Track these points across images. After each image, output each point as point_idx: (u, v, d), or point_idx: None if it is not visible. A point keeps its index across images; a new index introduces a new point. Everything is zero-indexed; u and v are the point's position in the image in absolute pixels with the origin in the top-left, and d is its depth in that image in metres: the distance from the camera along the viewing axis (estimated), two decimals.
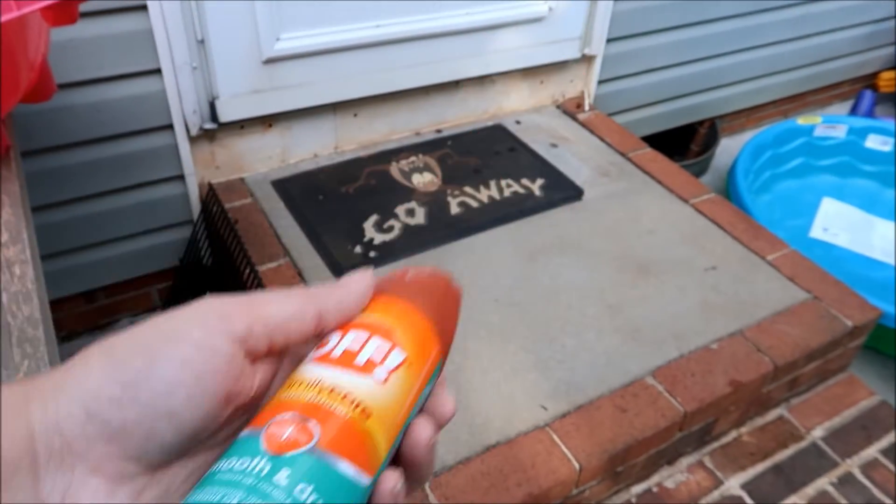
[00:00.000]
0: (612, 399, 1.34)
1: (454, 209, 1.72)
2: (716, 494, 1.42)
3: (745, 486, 1.44)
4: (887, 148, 2.69)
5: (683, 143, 2.93)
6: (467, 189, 1.80)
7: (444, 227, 1.66)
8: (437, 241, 1.63)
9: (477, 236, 1.67)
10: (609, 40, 2.23)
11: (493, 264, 1.60)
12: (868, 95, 2.94)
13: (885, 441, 1.58)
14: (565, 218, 1.77)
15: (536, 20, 2.02)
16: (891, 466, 1.53)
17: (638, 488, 1.42)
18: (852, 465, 1.52)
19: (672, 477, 1.45)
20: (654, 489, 1.42)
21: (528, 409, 1.30)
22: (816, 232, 2.47)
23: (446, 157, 1.90)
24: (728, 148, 2.80)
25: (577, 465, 1.22)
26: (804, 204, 2.61)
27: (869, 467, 1.52)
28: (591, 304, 1.53)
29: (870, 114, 2.93)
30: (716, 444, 1.52)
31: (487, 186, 1.82)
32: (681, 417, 1.34)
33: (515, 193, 1.81)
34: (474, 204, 1.75)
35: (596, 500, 1.37)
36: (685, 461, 1.48)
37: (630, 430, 1.29)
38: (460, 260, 1.60)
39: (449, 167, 1.87)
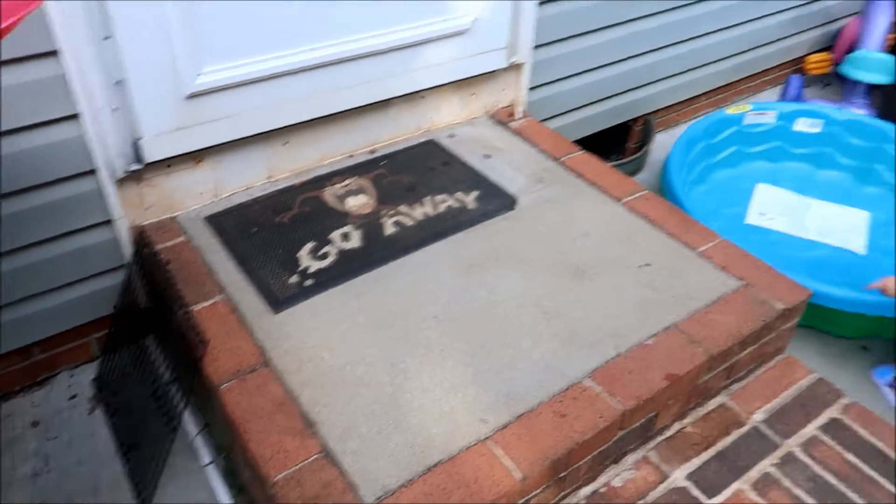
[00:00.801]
0: (551, 405, 1.36)
1: (389, 229, 1.74)
2: (662, 488, 1.45)
3: (691, 477, 1.48)
4: (816, 130, 2.77)
5: (620, 142, 2.98)
6: (402, 208, 1.81)
7: (380, 249, 1.67)
8: (373, 264, 1.64)
9: (413, 255, 1.68)
10: (536, 47, 2.27)
11: (431, 281, 1.61)
12: (796, 80, 3.03)
13: (824, 417, 1.63)
14: (500, 228, 1.80)
15: (461, 33, 2.04)
16: (830, 442, 1.57)
17: (586, 490, 1.44)
18: (793, 444, 1.56)
19: (619, 475, 1.47)
20: (603, 489, 1.44)
21: (469, 423, 1.32)
22: (753, 218, 2.54)
23: (380, 177, 1.92)
24: (664, 143, 2.86)
25: (519, 476, 1.24)
26: (740, 191, 2.68)
27: (809, 445, 1.56)
28: (528, 313, 1.56)
29: (799, 97, 3.01)
30: (660, 438, 1.55)
31: (422, 203, 1.84)
32: (620, 416, 1.36)
33: (450, 208, 1.83)
34: (409, 222, 1.77)
35: None
36: (631, 458, 1.51)
37: (570, 434, 1.31)
38: (398, 280, 1.61)
39: (384, 188, 1.88)
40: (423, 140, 2.11)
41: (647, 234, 1.83)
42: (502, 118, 2.27)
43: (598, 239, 1.79)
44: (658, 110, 2.98)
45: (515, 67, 2.25)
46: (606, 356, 1.47)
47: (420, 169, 1.96)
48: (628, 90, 2.72)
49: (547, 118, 2.47)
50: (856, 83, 3.00)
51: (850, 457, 1.55)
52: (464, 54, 2.08)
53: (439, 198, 1.86)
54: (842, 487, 1.48)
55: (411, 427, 1.30)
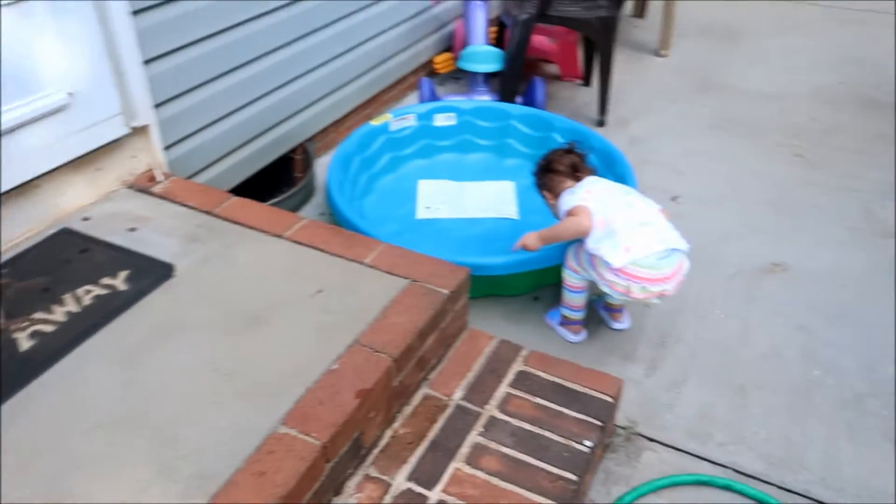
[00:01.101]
0: (248, 468, 1.30)
1: (26, 344, 1.52)
2: (388, 499, 1.48)
3: (411, 477, 1.52)
4: (453, 122, 3.06)
5: (288, 174, 3.00)
6: (38, 315, 1.60)
7: (17, 370, 1.46)
8: (12, 391, 1.42)
9: (62, 363, 1.50)
10: (158, 105, 2.16)
11: (88, 386, 1.45)
12: (426, 82, 3.31)
13: (512, 374, 1.79)
14: (161, 302, 1.68)
15: (60, 110, 1.87)
16: (520, 394, 1.74)
17: None
18: (491, 408, 1.69)
19: None
20: None
21: None
22: (421, 212, 2.72)
23: (3, 288, 1.67)
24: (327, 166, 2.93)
25: None
26: (405, 192, 2.85)
27: (504, 403, 1.71)
28: (208, 381, 1.48)
29: (433, 97, 3.30)
30: (376, 452, 1.58)
31: (62, 303, 1.64)
32: (321, 451, 1.35)
33: (98, 297, 1.67)
34: (50, 329, 1.57)
35: None
36: (352, 482, 1.51)
37: (273, 490, 1.26)
38: (46, 398, 1.42)
39: (10, 299, 1.64)
40: (53, 231, 1.89)
41: (314, 261, 1.85)
42: (143, 185, 2.14)
43: (266, 281, 1.76)
44: (314, 135, 3.05)
45: (141, 131, 2.12)
46: (296, 396, 1.45)
47: (54, 264, 1.76)
48: (277, 124, 2.74)
49: (195, 173, 2.38)
50: (475, 74, 3.36)
51: (539, 400, 1.72)
52: (71, 130, 1.91)
53: (83, 290, 1.68)
54: (537, 430, 1.65)
55: None
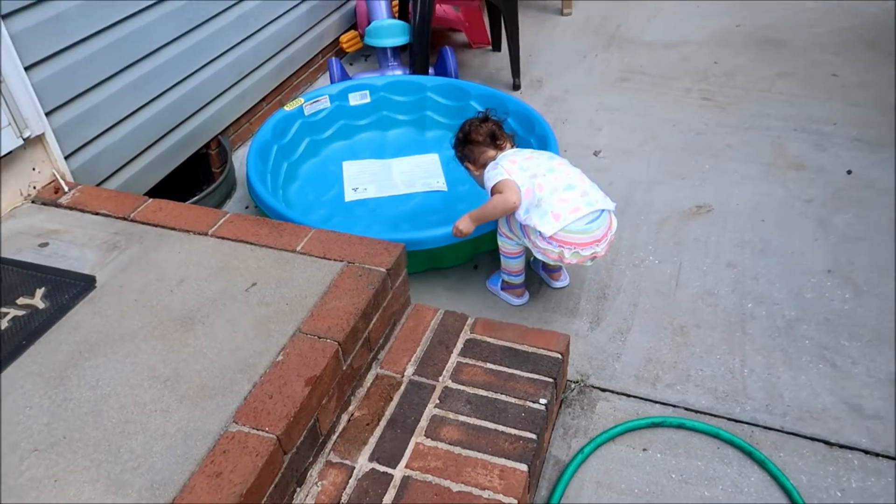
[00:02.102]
0: (203, 471, 1.25)
1: None
2: (352, 482, 1.45)
3: (373, 457, 1.50)
4: (367, 100, 3.00)
5: (207, 171, 2.89)
6: None
7: None
8: None
9: None
10: (51, 112, 2.03)
11: (18, 412, 1.36)
12: (335, 62, 3.23)
13: (460, 343, 1.79)
14: (85, 315, 1.59)
15: None
16: (471, 362, 1.73)
17: None
18: (445, 380, 1.68)
19: (309, 494, 1.43)
20: None
21: None
22: (349, 195, 2.67)
23: None
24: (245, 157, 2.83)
25: None
26: (330, 175, 2.79)
27: (457, 373, 1.70)
28: (147, 388, 1.41)
29: (344, 76, 3.22)
30: (334, 437, 1.55)
31: None
32: (276, 444, 1.31)
33: (16, 319, 1.56)
34: None
35: None
36: (315, 471, 1.48)
37: (232, 490, 1.22)
38: None
39: None
40: None
41: (243, 255, 1.78)
42: (49, 198, 2.01)
43: (196, 281, 1.69)
44: (227, 128, 2.94)
45: (36, 141, 1.99)
46: (243, 393, 1.40)
47: None
48: (183, 121, 2.63)
49: (104, 179, 2.26)
50: (383, 50, 3.31)
51: (490, 366, 1.72)
52: None
53: None
54: (492, 395, 1.65)
55: None
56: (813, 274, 2.25)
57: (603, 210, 1.93)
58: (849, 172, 2.70)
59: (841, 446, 1.73)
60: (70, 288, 1.65)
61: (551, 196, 1.90)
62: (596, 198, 1.94)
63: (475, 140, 2.12)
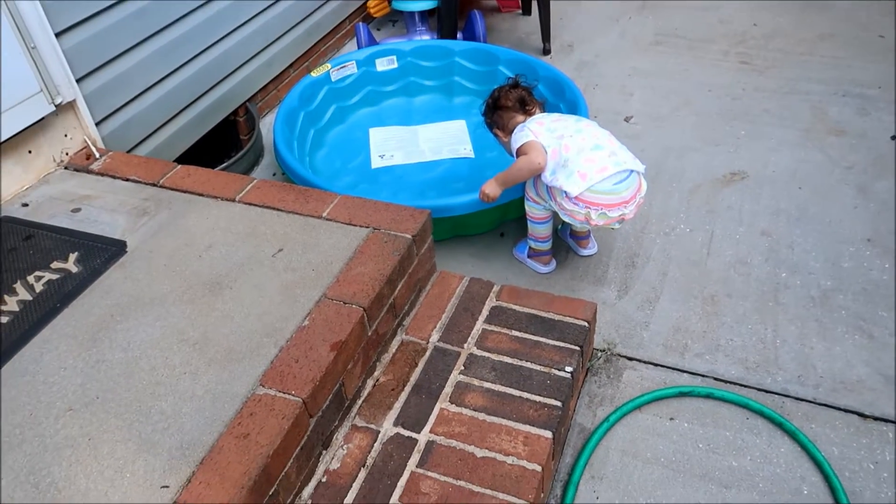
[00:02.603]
0: (230, 432, 1.27)
1: None
2: (377, 446, 1.47)
3: (397, 422, 1.51)
4: (394, 66, 2.97)
5: (235, 138, 2.89)
6: None
7: None
8: None
9: (23, 351, 1.43)
10: (81, 78, 2.04)
11: (53, 371, 1.39)
12: (362, 27, 3.20)
13: (486, 310, 1.78)
14: (116, 279, 1.61)
15: None
16: (497, 329, 1.73)
17: (309, 489, 1.39)
18: (470, 347, 1.68)
19: (335, 457, 1.45)
20: (324, 479, 1.41)
21: (150, 498, 1.17)
22: (376, 161, 2.66)
23: None
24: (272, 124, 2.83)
25: None
26: (358, 142, 2.78)
27: (482, 340, 1.70)
28: (176, 351, 1.43)
29: (371, 42, 3.19)
30: (360, 402, 1.56)
31: (13, 292, 1.57)
32: (303, 407, 1.33)
33: (51, 282, 1.60)
34: (4, 319, 1.50)
35: None
36: (340, 434, 1.49)
37: (259, 451, 1.24)
38: (11, 388, 1.36)
39: None
40: None
41: (270, 221, 1.79)
42: (81, 164, 2.03)
43: (223, 247, 1.70)
44: (255, 95, 2.94)
45: (67, 107, 2.01)
46: (270, 357, 1.41)
47: None
48: (212, 87, 2.63)
49: (135, 146, 2.28)
50: (411, 14, 3.26)
51: (516, 333, 1.72)
52: None
53: (33, 277, 1.61)
54: (517, 362, 1.64)
55: None
56: (851, 243, 2.18)
57: (632, 171, 1.90)
58: (893, 138, 2.61)
59: (875, 418, 1.70)
60: (102, 252, 1.68)
61: (578, 156, 1.87)
62: (624, 158, 1.90)
63: (504, 105, 2.09)
